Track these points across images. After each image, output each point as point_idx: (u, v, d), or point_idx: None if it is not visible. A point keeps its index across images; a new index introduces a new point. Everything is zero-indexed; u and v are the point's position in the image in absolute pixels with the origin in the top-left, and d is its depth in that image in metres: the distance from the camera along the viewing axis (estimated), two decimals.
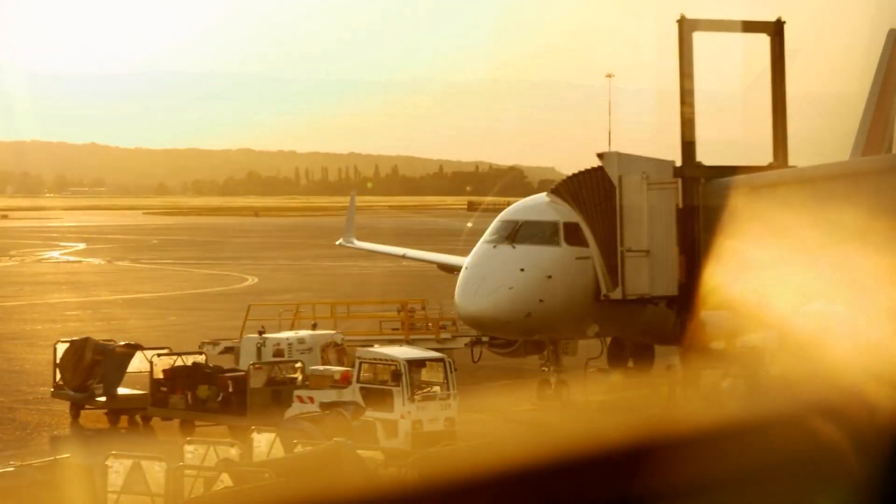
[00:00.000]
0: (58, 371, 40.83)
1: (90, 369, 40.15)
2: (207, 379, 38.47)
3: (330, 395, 35.13)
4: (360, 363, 35.30)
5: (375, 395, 34.32)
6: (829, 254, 35.28)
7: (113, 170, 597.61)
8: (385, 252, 76.11)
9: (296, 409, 35.21)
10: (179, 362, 39.81)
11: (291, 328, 47.81)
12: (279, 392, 37.23)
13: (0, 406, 42.31)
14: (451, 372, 35.03)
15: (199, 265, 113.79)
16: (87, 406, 40.41)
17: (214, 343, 48.16)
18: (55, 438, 37.23)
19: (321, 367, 38.04)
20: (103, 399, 39.96)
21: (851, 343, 30.44)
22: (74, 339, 42.18)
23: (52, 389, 41.18)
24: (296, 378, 38.12)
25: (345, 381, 35.59)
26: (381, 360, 35.16)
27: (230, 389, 37.74)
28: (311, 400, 35.27)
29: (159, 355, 40.04)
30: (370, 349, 37.13)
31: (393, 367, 34.46)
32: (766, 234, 36.16)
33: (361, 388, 34.68)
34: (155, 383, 38.98)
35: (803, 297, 36.21)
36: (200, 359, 40.47)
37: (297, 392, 36.17)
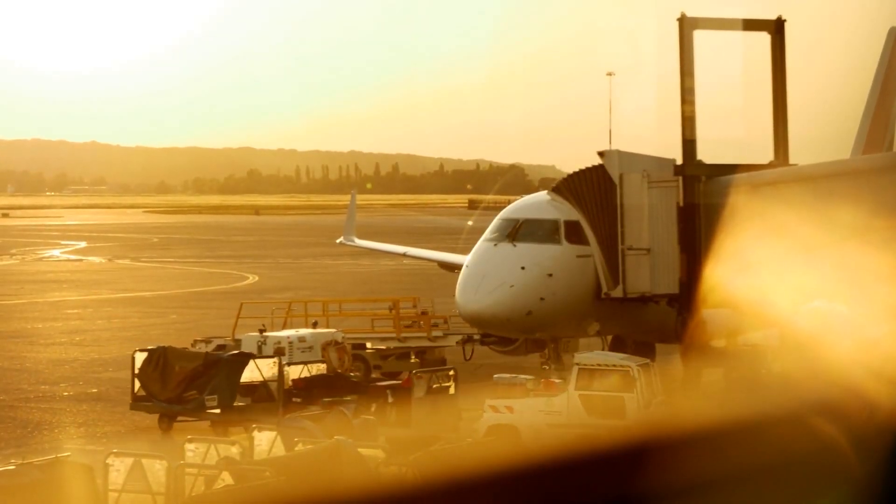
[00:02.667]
0: (137, 382, 38.45)
1: (189, 380, 37.66)
2: (354, 388, 36.27)
3: (538, 405, 33.43)
4: (579, 369, 33.57)
5: (602, 402, 32.85)
6: (829, 252, 35.28)
7: (113, 168, 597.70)
8: (386, 250, 76.17)
9: (490, 419, 33.34)
10: (306, 372, 38.04)
11: (284, 326, 47.72)
12: (435, 401, 35.69)
13: (1, 404, 42.31)
14: (656, 376, 34.16)
15: (199, 263, 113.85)
16: (182, 417, 37.85)
17: (207, 341, 48.16)
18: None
19: (507, 376, 35.49)
20: (217, 411, 37.01)
21: (852, 341, 30.43)
22: (151, 347, 39.96)
23: (132, 401, 38.73)
24: (449, 386, 35.93)
25: (549, 388, 33.92)
26: (608, 366, 33.61)
27: (389, 399, 35.24)
28: (510, 409, 33.37)
29: (288, 364, 38.40)
30: (587, 354, 35.38)
31: (626, 373, 33.00)
32: (766, 233, 36.15)
33: (581, 396, 33.04)
34: (287, 394, 36.62)
35: (804, 295, 36.21)
36: (323, 367, 38.66)
37: (490, 402, 33.85)
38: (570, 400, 33.19)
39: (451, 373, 36.85)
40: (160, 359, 38.26)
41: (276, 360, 38.76)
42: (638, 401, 32.48)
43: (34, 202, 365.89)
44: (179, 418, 37.85)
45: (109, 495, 24.63)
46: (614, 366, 33.56)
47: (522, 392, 33.97)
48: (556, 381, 34.42)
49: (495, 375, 36.08)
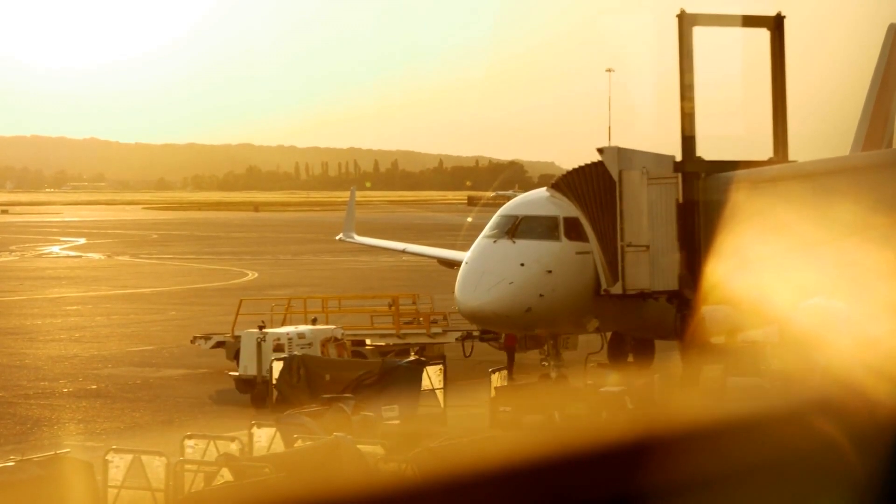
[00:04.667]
0: (275, 391, 36.76)
1: (352, 389, 35.28)
2: (577, 395, 33.83)
3: None
4: None
5: None
6: (829, 249, 35.24)
7: (113, 165, 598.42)
8: (385, 247, 76.07)
9: None
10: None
11: (283, 323, 47.70)
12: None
13: (0, 401, 42.29)
14: None
15: (199, 260, 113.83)
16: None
17: (206, 337, 48.14)
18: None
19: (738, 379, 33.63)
20: (397, 422, 32.69)
21: (851, 338, 30.42)
22: (285, 355, 38.54)
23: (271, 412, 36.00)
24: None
25: None
26: None
27: (629, 406, 32.60)
28: None
29: (494, 370, 36.12)
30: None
31: None
32: (766, 229, 36.13)
33: None
34: (493, 403, 33.91)
35: (803, 292, 36.19)
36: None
37: None
38: None
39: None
40: (300, 367, 36.75)
41: (440, 367, 37.17)
42: None
43: (33, 199, 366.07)
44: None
45: (109, 492, 24.62)
46: None
47: None
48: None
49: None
